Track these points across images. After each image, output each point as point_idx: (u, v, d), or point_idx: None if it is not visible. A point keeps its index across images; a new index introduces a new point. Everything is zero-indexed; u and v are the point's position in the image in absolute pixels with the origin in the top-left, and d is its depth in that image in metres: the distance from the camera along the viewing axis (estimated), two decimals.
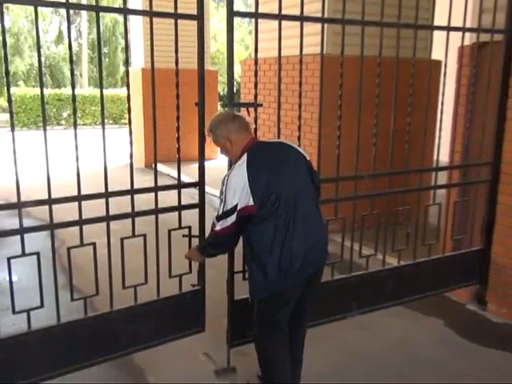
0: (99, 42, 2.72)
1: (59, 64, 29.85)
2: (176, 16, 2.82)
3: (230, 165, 2.80)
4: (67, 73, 28.91)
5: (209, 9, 11.19)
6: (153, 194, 3.00)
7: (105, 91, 21.25)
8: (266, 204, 2.48)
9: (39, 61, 2.54)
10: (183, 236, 3.09)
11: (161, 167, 9.51)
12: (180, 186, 3.05)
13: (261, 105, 3.11)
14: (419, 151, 3.70)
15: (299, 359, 2.90)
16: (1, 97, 23.60)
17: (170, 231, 3.02)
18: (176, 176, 9.80)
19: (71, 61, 2.60)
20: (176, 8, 2.82)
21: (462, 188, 4.18)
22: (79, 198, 2.71)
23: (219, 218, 2.57)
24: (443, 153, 3.82)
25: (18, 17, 27.86)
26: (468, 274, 4.10)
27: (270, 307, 2.69)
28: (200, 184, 3.09)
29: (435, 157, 3.87)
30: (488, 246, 4.07)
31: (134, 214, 2.90)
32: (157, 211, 2.99)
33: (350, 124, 3.34)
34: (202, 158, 3.05)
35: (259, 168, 2.51)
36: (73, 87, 2.66)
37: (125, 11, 2.69)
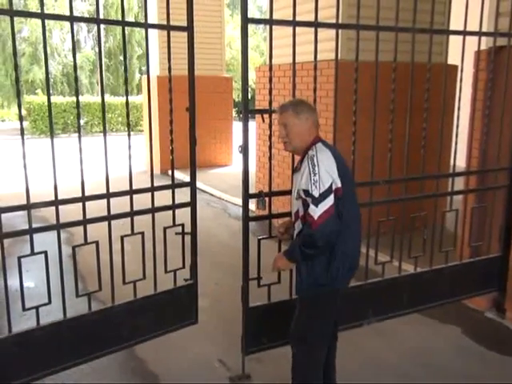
0: (100, 53, 3.05)
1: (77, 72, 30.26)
2: (168, 28, 3.07)
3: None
4: (85, 81, 29.28)
5: (223, 16, 11.24)
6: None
7: (120, 98, 21.52)
8: (346, 195, 2.46)
9: (46, 72, 2.71)
10: (176, 234, 3.26)
11: (176, 174, 9.55)
12: (174, 185, 3.26)
13: (275, 111, 3.11)
14: (435, 157, 3.67)
15: (334, 367, 2.89)
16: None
17: (165, 229, 3.20)
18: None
19: (75, 69, 2.86)
20: (168, 21, 3.07)
21: (479, 194, 4.12)
22: (83, 198, 2.87)
23: (318, 200, 2.37)
24: (460, 158, 3.78)
25: (36, 26, 28.21)
26: (486, 281, 4.04)
27: (326, 304, 2.59)
28: (192, 184, 3.30)
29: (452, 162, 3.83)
30: (506, 253, 4.00)
31: (132, 213, 3.09)
32: (153, 210, 3.18)
33: (365, 130, 3.32)
34: (193, 160, 3.26)
35: (338, 159, 2.50)
36: (77, 94, 2.89)
37: (122, 24, 2.94)
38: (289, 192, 3.24)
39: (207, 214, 7.56)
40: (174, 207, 3.27)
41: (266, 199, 3.12)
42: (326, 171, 2.40)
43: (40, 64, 28.65)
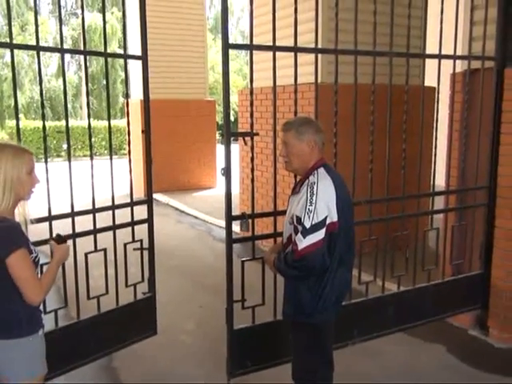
0: (64, 81, 3.36)
1: (59, 97, 30.15)
2: (125, 57, 3.44)
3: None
4: (68, 105, 29.21)
5: (206, 40, 11.36)
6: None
7: (104, 122, 21.56)
8: (341, 230, 2.39)
9: (15, 98, 2.98)
10: (134, 249, 3.45)
11: (160, 197, 9.60)
12: (132, 203, 3.49)
13: (257, 134, 3.15)
14: (416, 176, 3.73)
15: None
16: (1, 130, 23.83)
17: (125, 245, 3.40)
18: (175, 205, 9.70)
19: (41, 95, 3.16)
20: (125, 50, 3.44)
21: (459, 212, 4.19)
22: (50, 218, 3.03)
23: (307, 231, 2.28)
24: (440, 177, 3.85)
25: (17, 51, 28.27)
26: (469, 298, 4.08)
27: (328, 333, 2.54)
28: (148, 202, 3.57)
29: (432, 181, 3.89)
30: (488, 270, 4.05)
31: (95, 231, 3.29)
32: (114, 227, 3.39)
33: (345, 151, 3.37)
34: (149, 179, 3.53)
35: (339, 188, 2.41)
36: (43, 118, 3.15)
37: (84, 53, 3.31)
38: (271, 214, 3.27)
39: (191, 237, 7.53)
40: (132, 224, 3.49)
41: (250, 221, 3.14)
42: (323, 202, 2.31)
43: (22, 89, 28.64)
